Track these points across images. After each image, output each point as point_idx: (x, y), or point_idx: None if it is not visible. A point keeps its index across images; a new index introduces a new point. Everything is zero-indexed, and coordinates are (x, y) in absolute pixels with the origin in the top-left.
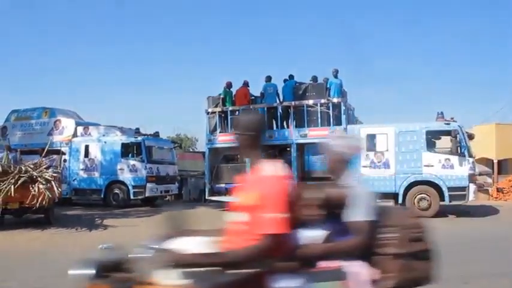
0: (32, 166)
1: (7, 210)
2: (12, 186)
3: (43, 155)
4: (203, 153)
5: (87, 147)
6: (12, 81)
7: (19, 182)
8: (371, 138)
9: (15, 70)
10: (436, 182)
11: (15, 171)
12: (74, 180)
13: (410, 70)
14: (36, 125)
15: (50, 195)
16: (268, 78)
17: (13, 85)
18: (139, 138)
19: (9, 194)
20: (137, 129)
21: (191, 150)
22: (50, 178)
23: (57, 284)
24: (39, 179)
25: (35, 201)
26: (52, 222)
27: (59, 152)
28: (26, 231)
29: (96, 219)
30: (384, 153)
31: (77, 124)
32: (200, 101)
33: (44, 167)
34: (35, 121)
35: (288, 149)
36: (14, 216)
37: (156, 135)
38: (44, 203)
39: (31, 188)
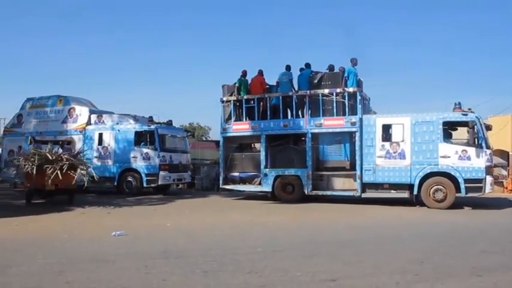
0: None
1: (44, 191)
2: (59, 172)
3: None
4: (216, 142)
5: (100, 135)
6: (28, 70)
7: (64, 168)
8: (387, 128)
9: (30, 58)
10: (452, 173)
11: (59, 159)
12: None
13: (423, 60)
14: (51, 113)
15: (85, 179)
16: (287, 67)
17: (29, 74)
18: (153, 127)
19: (55, 178)
20: (150, 117)
21: (204, 139)
22: (86, 164)
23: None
24: (79, 165)
25: (71, 183)
26: (73, 202)
27: (69, 142)
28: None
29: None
30: (399, 143)
31: (91, 112)
32: (215, 89)
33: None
34: (50, 109)
35: (303, 138)
36: (46, 197)
37: (169, 123)
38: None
39: (70, 173)
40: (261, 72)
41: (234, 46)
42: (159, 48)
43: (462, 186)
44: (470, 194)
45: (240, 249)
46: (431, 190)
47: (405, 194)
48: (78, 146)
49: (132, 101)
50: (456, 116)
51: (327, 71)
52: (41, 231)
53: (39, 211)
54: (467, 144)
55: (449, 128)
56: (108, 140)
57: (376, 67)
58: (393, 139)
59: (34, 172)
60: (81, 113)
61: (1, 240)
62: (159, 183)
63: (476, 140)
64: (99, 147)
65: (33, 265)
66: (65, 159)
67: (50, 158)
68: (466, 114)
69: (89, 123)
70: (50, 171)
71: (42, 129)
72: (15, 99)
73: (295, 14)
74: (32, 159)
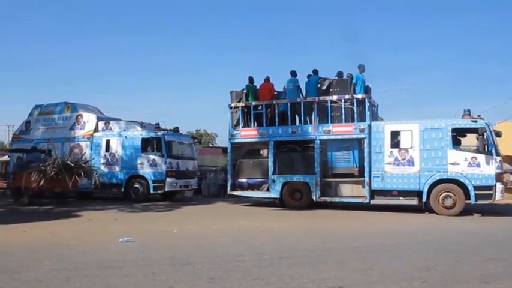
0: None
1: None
2: (76, 176)
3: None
4: (223, 148)
5: (108, 142)
6: (36, 76)
7: (79, 173)
8: (395, 135)
9: (39, 64)
10: (462, 180)
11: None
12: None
13: (429, 66)
14: (59, 120)
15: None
16: (292, 73)
17: (37, 80)
18: (160, 133)
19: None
20: (157, 124)
21: (211, 145)
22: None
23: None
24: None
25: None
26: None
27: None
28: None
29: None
30: (408, 150)
31: (98, 119)
32: (222, 96)
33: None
34: (58, 116)
35: (311, 144)
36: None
37: (176, 130)
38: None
39: (77, 178)
40: (268, 79)
41: (241, 52)
42: (165, 54)
43: (472, 193)
44: (480, 202)
45: (246, 256)
46: (441, 197)
47: (414, 201)
48: (86, 152)
49: (138, 107)
50: (465, 123)
51: (335, 77)
52: (49, 237)
53: (47, 217)
54: (477, 151)
55: (458, 134)
56: (116, 146)
57: (381, 73)
58: (402, 146)
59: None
60: (89, 120)
61: (9, 245)
62: (166, 189)
63: (486, 146)
64: (107, 153)
65: (40, 271)
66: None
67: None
68: (476, 121)
69: (96, 130)
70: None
71: (49, 136)
72: (24, 105)
73: (304, 19)
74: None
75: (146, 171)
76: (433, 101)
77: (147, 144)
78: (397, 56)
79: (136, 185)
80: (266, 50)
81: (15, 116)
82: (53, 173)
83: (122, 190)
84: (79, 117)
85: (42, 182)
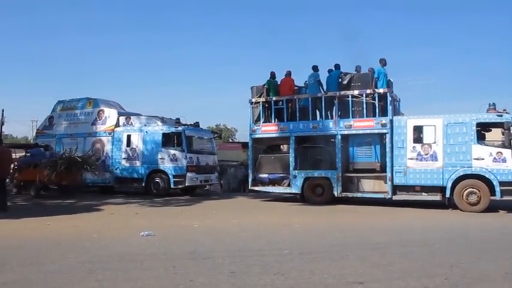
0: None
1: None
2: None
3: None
4: (243, 143)
5: (129, 137)
6: (58, 72)
7: (90, 167)
8: (418, 130)
9: (61, 60)
10: (487, 176)
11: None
12: (116, 169)
13: (451, 61)
14: (81, 115)
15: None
16: (314, 68)
17: (60, 76)
18: (180, 128)
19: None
20: (178, 119)
21: (230, 140)
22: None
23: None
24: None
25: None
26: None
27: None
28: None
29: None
30: (431, 145)
31: (120, 114)
32: (242, 91)
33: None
34: (80, 111)
35: (332, 139)
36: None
37: (196, 125)
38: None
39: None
40: (289, 74)
41: (262, 47)
42: (186, 48)
43: (497, 189)
44: (506, 198)
45: (266, 251)
46: (465, 193)
47: (437, 197)
48: (107, 147)
49: (157, 101)
50: (490, 117)
51: (355, 71)
52: (72, 230)
53: (70, 211)
54: (503, 145)
55: (483, 129)
56: (136, 141)
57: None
58: (425, 141)
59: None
60: (110, 115)
61: (35, 238)
62: (186, 184)
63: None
64: (128, 148)
65: (64, 263)
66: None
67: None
68: (501, 115)
69: (117, 125)
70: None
71: (72, 131)
72: (47, 101)
73: (308, 17)
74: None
75: (167, 165)
76: (460, 96)
77: (167, 139)
78: (419, 50)
79: (157, 180)
80: (288, 46)
81: (39, 112)
82: (62, 167)
83: (143, 185)
84: (101, 112)
85: (53, 175)
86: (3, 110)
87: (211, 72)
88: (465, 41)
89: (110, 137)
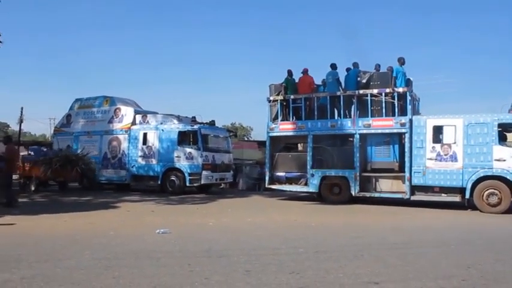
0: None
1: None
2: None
3: None
4: (258, 142)
5: (145, 135)
6: (76, 69)
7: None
8: (438, 130)
9: (79, 59)
10: (508, 177)
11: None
12: (132, 167)
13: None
14: (98, 113)
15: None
16: (332, 66)
17: (78, 73)
18: (196, 127)
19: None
20: (193, 117)
21: (246, 139)
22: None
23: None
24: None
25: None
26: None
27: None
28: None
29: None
30: (451, 145)
31: (136, 112)
32: (258, 90)
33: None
34: (97, 109)
35: (350, 139)
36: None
37: (212, 123)
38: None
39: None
40: (306, 71)
41: (278, 46)
42: (202, 45)
43: None
44: None
45: (282, 250)
46: (485, 194)
47: (457, 198)
48: (124, 145)
49: (174, 100)
50: None
51: (374, 70)
52: (89, 227)
53: (87, 208)
54: None
55: (504, 130)
56: (153, 139)
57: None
58: (444, 141)
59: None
60: (127, 113)
61: (53, 235)
62: (202, 182)
63: None
64: (144, 146)
65: (81, 259)
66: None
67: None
68: None
69: (134, 123)
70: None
71: (89, 128)
72: (65, 99)
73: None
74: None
75: (182, 164)
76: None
77: (183, 138)
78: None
79: (173, 178)
80: (302, 46)
81: (57, 109)
82: (57, 164)
83: (159, 183)
84: (117, 110)
85: (48, 172)
86: (22, 108)
87: (227, 71)
88: (467, 41)
89: (127, 135)
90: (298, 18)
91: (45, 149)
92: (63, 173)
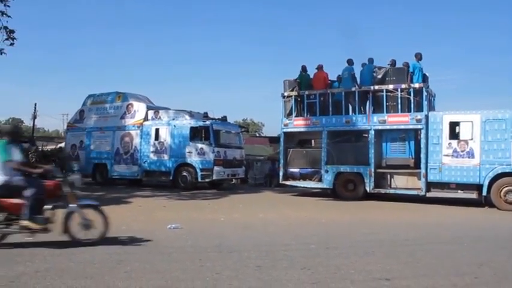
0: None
1: None
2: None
3: None
4: (270, 138)
5: (157, 130)
6: (89, 65)
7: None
8: (454, 126)
9: (91, 56)
10: None
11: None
12: (144, 163)
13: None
14: (110, 109)
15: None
16: (348, 62)
17: (90, 69)
18: (208, 122)
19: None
20: (205, 113)
21: (257, 135)
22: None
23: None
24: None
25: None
26: None
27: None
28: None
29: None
30: (468, 142)
31: (148, 108)
32: (270, 86)
33: None
34: (109, 105)
35: (365, 135)
36: None
37: (223, 119)
38: None
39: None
40: (321, 67)
41: (290, 43)
42: (214, 43)
43: None
44: None
45: (293, 246)
46: (503, 191)
47: (473, 195)
48: (136, 141)
49: (186, 96)
50: None
51: (388, 65)
52: None
53: (99, 203)
54: None
55: None
56: (164, 135)
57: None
58: (461, 137)
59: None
60: (139, 109)
61: None
62: (214, 178)
63: None
64: (156, 142)
65: (94, 254)
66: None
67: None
68: None
69: (146, 118)
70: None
71: (102, 124)
72: (78, 95)
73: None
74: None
75: (194, 159)
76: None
77: (195, 133)
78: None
79: (185, 173)
80: (317, 42)
81: (70, 105)
82: (33, 159)
83: (171, 178)
84: (129, 106)
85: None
86: (35, 104)
87: (238, 68)
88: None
89: (139, 131)
90: (302, 15)
91: (24, 145)
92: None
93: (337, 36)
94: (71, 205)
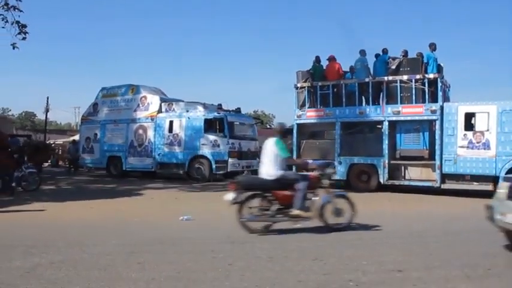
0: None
1: None
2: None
3: None
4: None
5: (171, 122)
6: (102, 59)
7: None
8: (470, 117)
9: (105, 49)
10: None
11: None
12: (158, 155)
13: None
14: (124, 102)
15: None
16: (362, 52)
17: (101, 63)
18: (222, 114)
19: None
20: (219, 105)
21: (268, 126)
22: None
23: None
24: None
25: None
26: None
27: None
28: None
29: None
30: (484, 133)
31: (162, 100)
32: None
33: None
34: (122, 98)
35: (379, 126)
36: None
37: (237, 111)
38: None
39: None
40: (333, 58)
41: (299, 35)
42: (222, 35)
43: None
44: None
45: (305, 237)
46: None
47: (489, 187)
48: (150, 133)
49: (195, 88)
50: None
51: (401, 56)
52: (114, 214)
53: (112, 195)
54: None
55: None
56: (178, 127)
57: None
58: (477, 128)
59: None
60: (152, 101)
61: (79, 221)
62: (228, 170)
63: None
64: (170, 134)
65: (107, 245)
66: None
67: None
68: None
69: (159, 111)
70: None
71: (115, 117)
72: (90, 88)
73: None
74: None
75: (208, 151)
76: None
77: (209, 125)
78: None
79: (199, 166)
80: (330, 33)
81: (82, 98)
82: (29, 152)
83: (185, 170)
84: (143, 98)
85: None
86: (47, 98)
87: (247, 59)
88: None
89: (153, 123)
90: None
91: (21, 139)
92: (33, 158)
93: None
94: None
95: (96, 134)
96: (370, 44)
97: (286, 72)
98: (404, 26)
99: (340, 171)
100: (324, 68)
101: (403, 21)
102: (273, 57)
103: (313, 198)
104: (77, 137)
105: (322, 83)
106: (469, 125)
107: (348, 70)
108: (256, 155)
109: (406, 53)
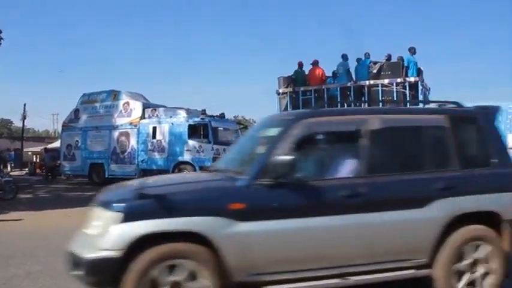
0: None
1: None
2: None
3: None
4: None
5: (154, 128)
6: (84, 64)
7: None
8: None
9: (87, 55)
10: None
11: None
12: (141, 162)
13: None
14: (106, 108)
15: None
16: (343, 57)
17: (80, 69)
18: (206, 120)
19: None
20: (203, 110)
21: None
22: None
23: None
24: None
25: None
26: None
27: None
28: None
29: None
30: None
31: (144, 106)
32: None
33: None
34: (104, 103)
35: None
36: None
37: (222, 116)
38: None
39: None
40: (317, 63)
41: (280, 38)
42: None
43: None
44: None
45: None
46: None
47: None
48: (132, 140)
49: (176, 92)
50: None
51: (384, 60)
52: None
53: (91, 203)
54: None
55: None
56: (162, 133)
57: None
58: None
59: None
60: (135, 107)
61: (58, 229)
62: None
63: None
64: (153, 140)
65: None
66: None
67: None
68: None
69: (142, 117)
70: None
71: (97, 123)
72: (68, 94)
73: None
74: None
75: (193, 157)
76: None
77: (193, 131)
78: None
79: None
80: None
81: (60, 105)
82: None
83: None
84: (126, 104)
85: None
86: (24, 105)
87: (232, 65)
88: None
89: (136, 129)
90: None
91: None
92: None
93: (336, 31)
94: None
95: (77, 141)
96: (370, 44)
97: (269, 77)
98: (404, 26)
99: None
100: (306, 73)
101: (403, 21)
102: (255, 63)
103: None
104: (54, 145)
105: (304, 88)
106: None
107: (331, 75)
108: None
109: (389, 57)
